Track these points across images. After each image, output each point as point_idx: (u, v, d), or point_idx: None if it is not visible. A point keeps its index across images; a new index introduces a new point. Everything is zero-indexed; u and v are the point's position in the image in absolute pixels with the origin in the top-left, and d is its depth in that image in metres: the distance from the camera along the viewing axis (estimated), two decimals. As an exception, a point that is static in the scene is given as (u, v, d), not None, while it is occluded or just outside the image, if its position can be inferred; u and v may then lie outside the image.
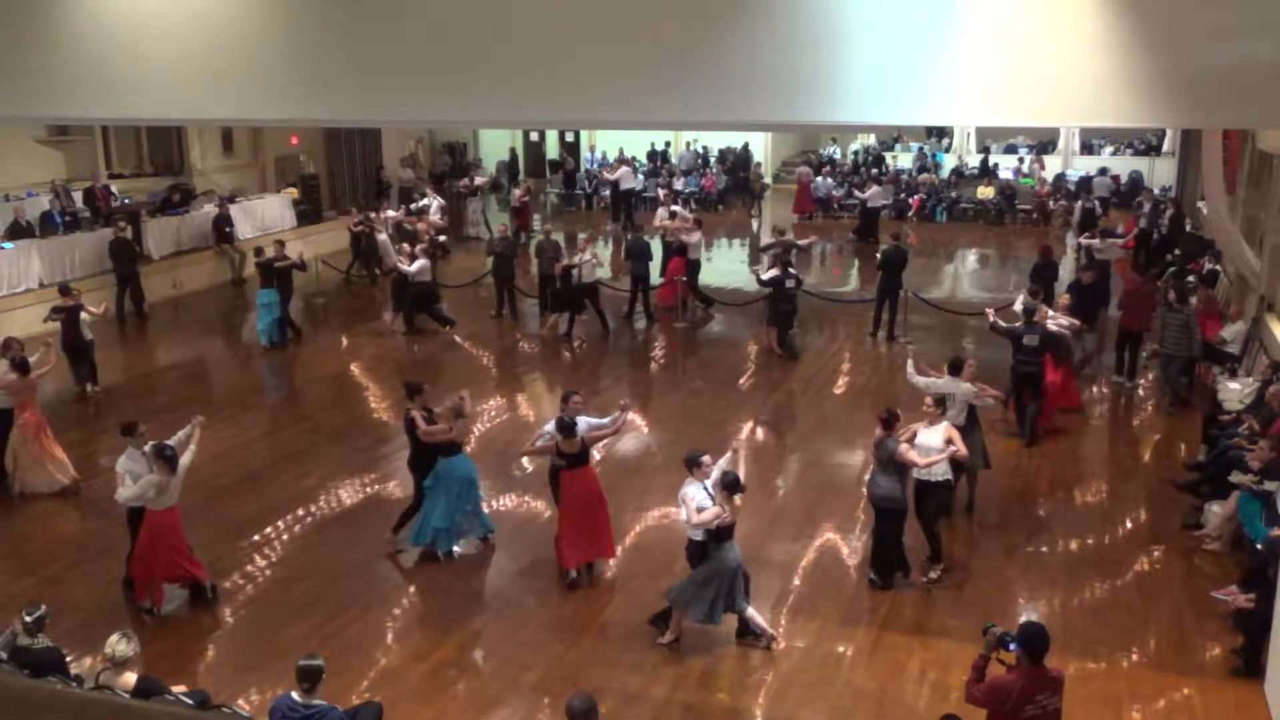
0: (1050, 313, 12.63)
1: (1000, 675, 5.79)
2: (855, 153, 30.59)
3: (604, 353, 16.27)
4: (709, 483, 8.09)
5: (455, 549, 9.79)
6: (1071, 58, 6.51)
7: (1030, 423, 12.03)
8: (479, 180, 25.78)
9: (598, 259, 16.99)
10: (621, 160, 27.62)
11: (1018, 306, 13.49)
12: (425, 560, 9.74)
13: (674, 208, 19.97)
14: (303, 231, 22.67)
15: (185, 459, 8.68)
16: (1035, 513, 10.54)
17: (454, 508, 9.61)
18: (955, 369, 10.17)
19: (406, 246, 17.74)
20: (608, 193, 29.33)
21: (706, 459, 8.22)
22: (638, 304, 17.64)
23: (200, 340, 16.80)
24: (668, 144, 31.36)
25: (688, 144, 31.08)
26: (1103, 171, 26.94)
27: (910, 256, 17.17)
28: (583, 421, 9.33)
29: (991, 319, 12.63)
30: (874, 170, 28.93)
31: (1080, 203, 23.58)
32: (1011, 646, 5.80)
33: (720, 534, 7.92)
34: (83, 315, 13.61)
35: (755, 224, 27.39)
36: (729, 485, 7.93)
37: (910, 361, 10.60)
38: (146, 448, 8.77)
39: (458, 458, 9.64)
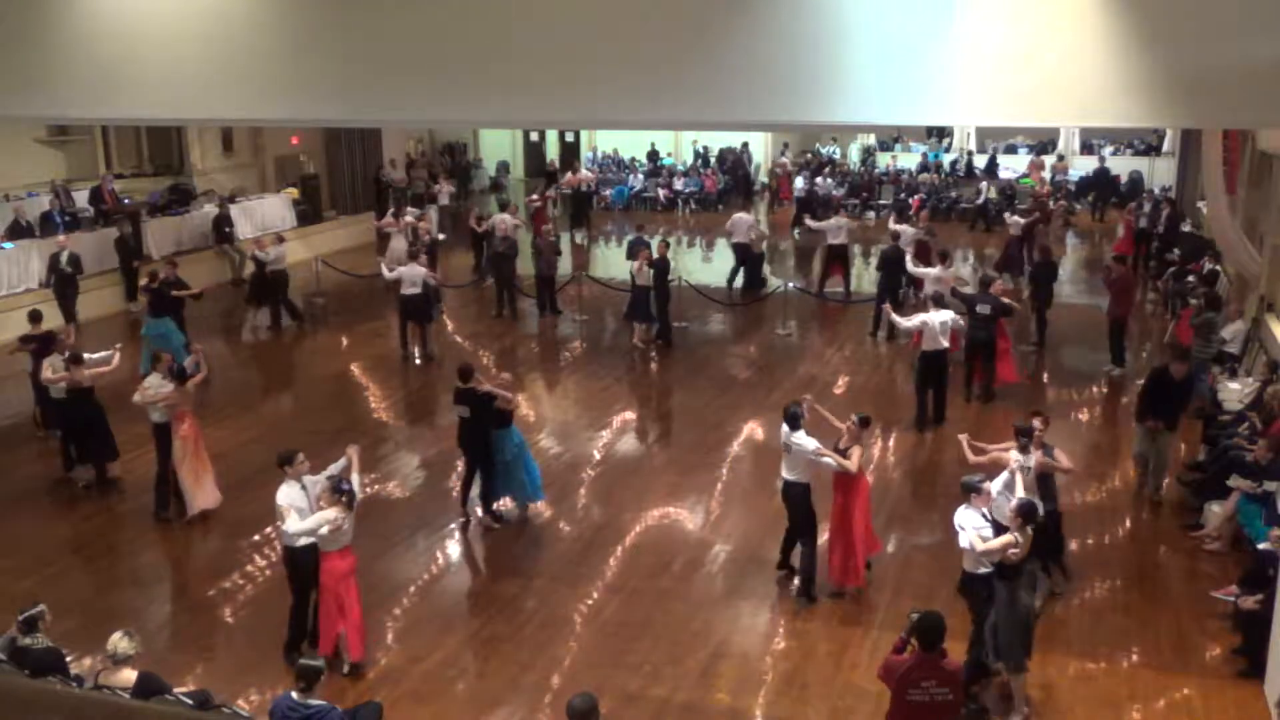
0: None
1: (896, 656, 6.12)
2: (867, 149, 30.58)
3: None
4: (986, 510, 7.41)
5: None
6: (1071, 58, 6.51)
7: (986, 383, 13.45)
8: (444, 187, 25.00)
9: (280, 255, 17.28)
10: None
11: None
12: (425, 561, 9.74)
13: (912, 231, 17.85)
14: (303, 231, 22.70)
15: (357, 496, 7.87)
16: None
17: (531, 465, 10.55)
18: (944, 257, 14.91)
19: (266, 239, 17.78)
20: (609, 193, 29.44)
21: (987, 486, 7.51)
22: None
23: (199, 340, 16.72)
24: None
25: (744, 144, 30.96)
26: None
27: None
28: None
29: (951, 285, 13.95)
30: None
31: (985, 181, 25.43)
32: None
33: (1011, 569, 7.06)
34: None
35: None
36: (1025, 512, 7.05)
37: (909, 256, 14.77)
38: (305, 479, 7.96)
39: (513, 427, 10.41)
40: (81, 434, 11.11)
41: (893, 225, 17.87)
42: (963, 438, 8.92)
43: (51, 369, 10.95)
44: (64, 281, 16.42)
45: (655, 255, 16.04)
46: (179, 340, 14.19)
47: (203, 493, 10.48)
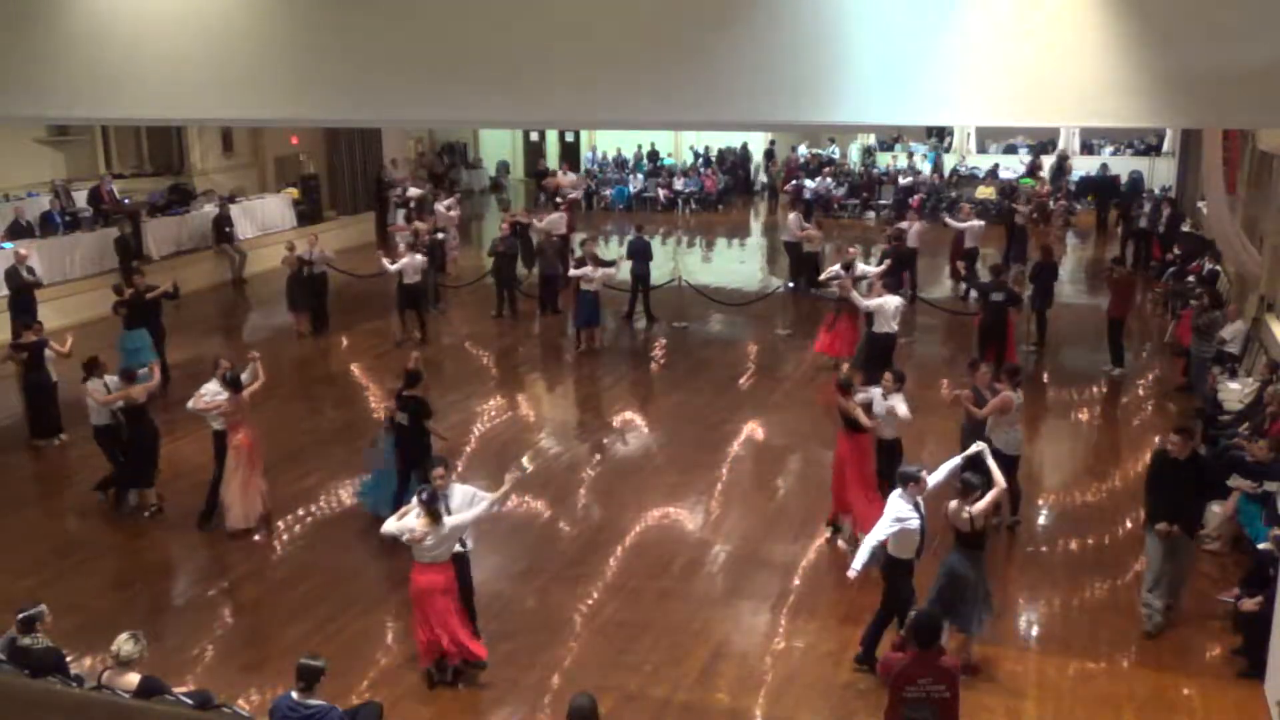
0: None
1: (895, 654, 6.29)
2: (867, 149, 30.51)
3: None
4: (921, 498, 7.52)
5: None
6: (1071, 58, 6.50)
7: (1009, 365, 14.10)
8: (413, 191, 24.03)
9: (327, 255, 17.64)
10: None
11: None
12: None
13: None
14: (303, 231, 22.69)
15: (458, 519, 7.56)
16: (1035, 512, 10.53)
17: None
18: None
19: (297, 244, 17.73)
20: (609, 193, 29.48)
21: (925, 475, 7.61)
22: (638, 304, 17.65)
23: (200, 340, 16.78)
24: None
25: (775, 143, 30.78)
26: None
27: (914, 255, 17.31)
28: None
29: (964, 272, 16.04)
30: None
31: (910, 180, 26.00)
32: None
33: (967, 539, 7.49)
34: (46, 352, 12.13)
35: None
36: (966, 486, 7.47)
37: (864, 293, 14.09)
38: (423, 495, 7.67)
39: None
40: (144, 454, 10.59)
41: (951, 222, 19.02)
42: (962, 393, 9.88)
43: (94, 390, 10.52)
44: (22, 293, 15.19)
45: (600, 258, 16.45)
46: (149, 356, 13.13)
47: (239, 509, 10.07)
